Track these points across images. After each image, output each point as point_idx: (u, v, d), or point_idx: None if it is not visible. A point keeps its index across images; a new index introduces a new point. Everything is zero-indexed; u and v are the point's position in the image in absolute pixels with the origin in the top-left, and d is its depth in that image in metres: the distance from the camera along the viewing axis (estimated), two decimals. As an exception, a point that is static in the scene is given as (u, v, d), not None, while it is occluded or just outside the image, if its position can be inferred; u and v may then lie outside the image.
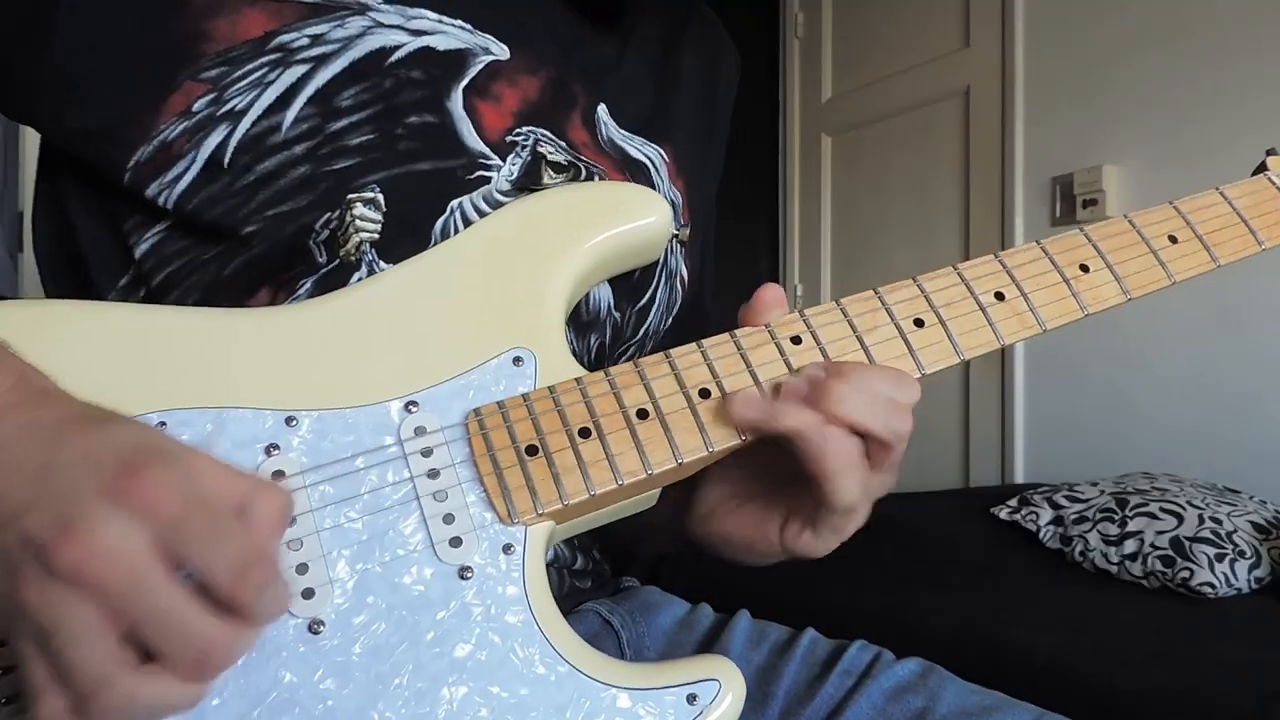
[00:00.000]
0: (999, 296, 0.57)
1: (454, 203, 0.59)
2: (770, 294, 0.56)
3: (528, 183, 0.62)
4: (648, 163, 0.69)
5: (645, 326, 0.71)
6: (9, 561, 0.37)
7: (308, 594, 0.46)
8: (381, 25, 0.59)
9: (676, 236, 0.70)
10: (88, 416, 0.41)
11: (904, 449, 0.53)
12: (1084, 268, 0.59)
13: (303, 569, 0.47)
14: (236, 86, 0.55)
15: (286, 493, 0.43)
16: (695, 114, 0.77)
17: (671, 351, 0.54)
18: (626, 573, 0.83)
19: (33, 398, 0.42)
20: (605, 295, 0.66)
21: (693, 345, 0.54)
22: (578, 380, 0.53)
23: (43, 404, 0.41)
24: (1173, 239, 0.61)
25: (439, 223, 0.59)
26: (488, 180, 0.61)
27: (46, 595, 0.37)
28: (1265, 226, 0.63)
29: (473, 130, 0.61)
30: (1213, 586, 1.48)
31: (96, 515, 0.37)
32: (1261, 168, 0.67)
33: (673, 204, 0.71)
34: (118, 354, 0.49)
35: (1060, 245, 0.59)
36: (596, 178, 0.64)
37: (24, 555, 0.37)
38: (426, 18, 0.61)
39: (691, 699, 0.48)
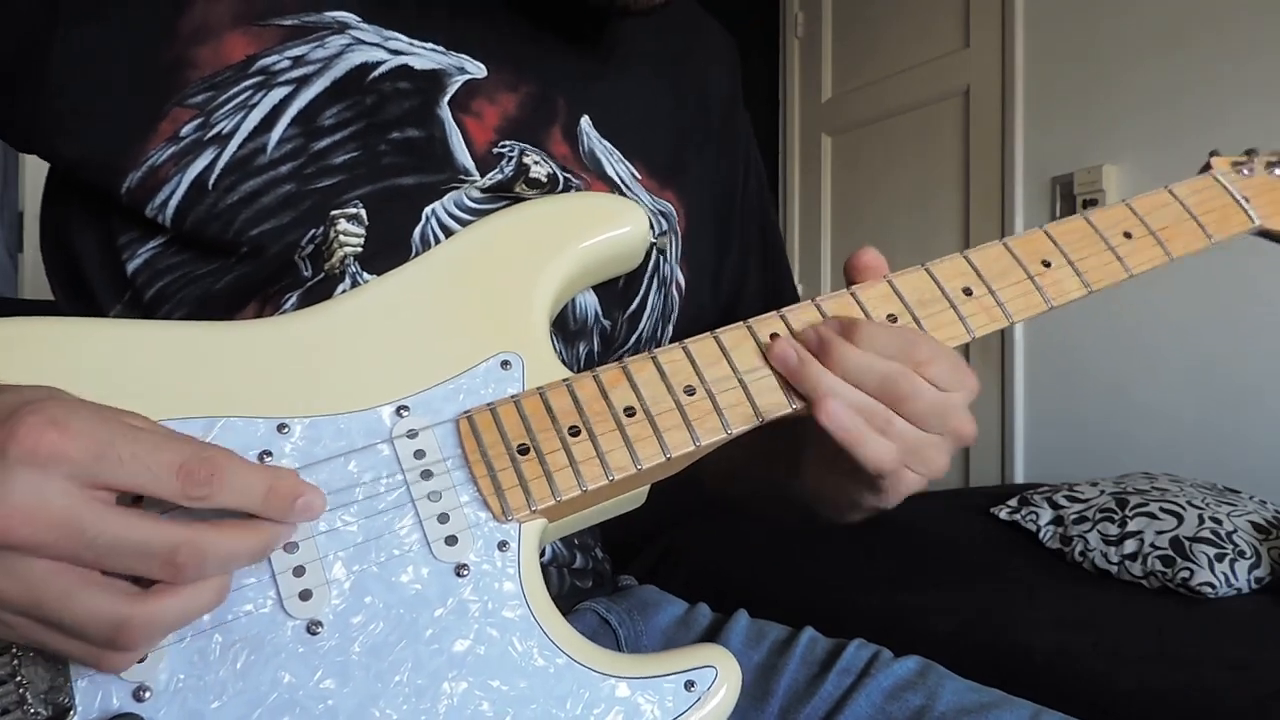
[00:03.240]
0: (967, 292, 0.60)
1: (427, 209, 0.60)
2: (869, 257, 0.59)
3: (500, 191, 0.62)
4: (618, 181, 0.69)
5: (638, 333, 0.71)
6: None
7: (305, 595, 0.47)
8: (362, 42, 0.60)
9: (655, 245, 0.70)
10: None
11: (924, 405, 0.54)
12: (1046, 263, 0.62)
13: (299, 571, 0.47)
14: (222, 110, 0.56)
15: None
16: (685, 119, 0.77)
17: (656, 351, 0.55)
18: (625, 571, 0.83)
19: None
20: (592, 303, 0.67)
21: (676, 345, 0.56)
22: (566, 381, 0.54)
23: None
24: (1127, 235, 0.64)
25: (416, 231, 0.60)
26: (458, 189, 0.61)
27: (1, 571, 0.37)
28: (1212, 222, 0.67)
29: (462, 142, 0.62)
30: (1213, 586, 1.48)
31: (6, 478, 0.37)
32: (1206, 168, 0.71)
33: (664, 214, 0.71)
34: (107, 367, 0.50)
35: (1023, 243, 0.62)
36: (574, 189, 0.65)
37: None
38: (400, 39, 0.61)
39: (689, 685, 0.49)
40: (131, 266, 0.58)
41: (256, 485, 0.43)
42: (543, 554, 0.56)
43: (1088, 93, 2.43)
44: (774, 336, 0.56)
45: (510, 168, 0.63)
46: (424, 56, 0.62)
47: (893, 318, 0.58)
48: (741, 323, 0.57)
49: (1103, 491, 1.75)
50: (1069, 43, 2.49)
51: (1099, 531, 1.65)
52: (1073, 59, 2.48)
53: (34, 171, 2.37)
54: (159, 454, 0.40)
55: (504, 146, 0.63)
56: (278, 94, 0.57)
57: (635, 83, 0.73)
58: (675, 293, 0.73)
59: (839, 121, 3.26)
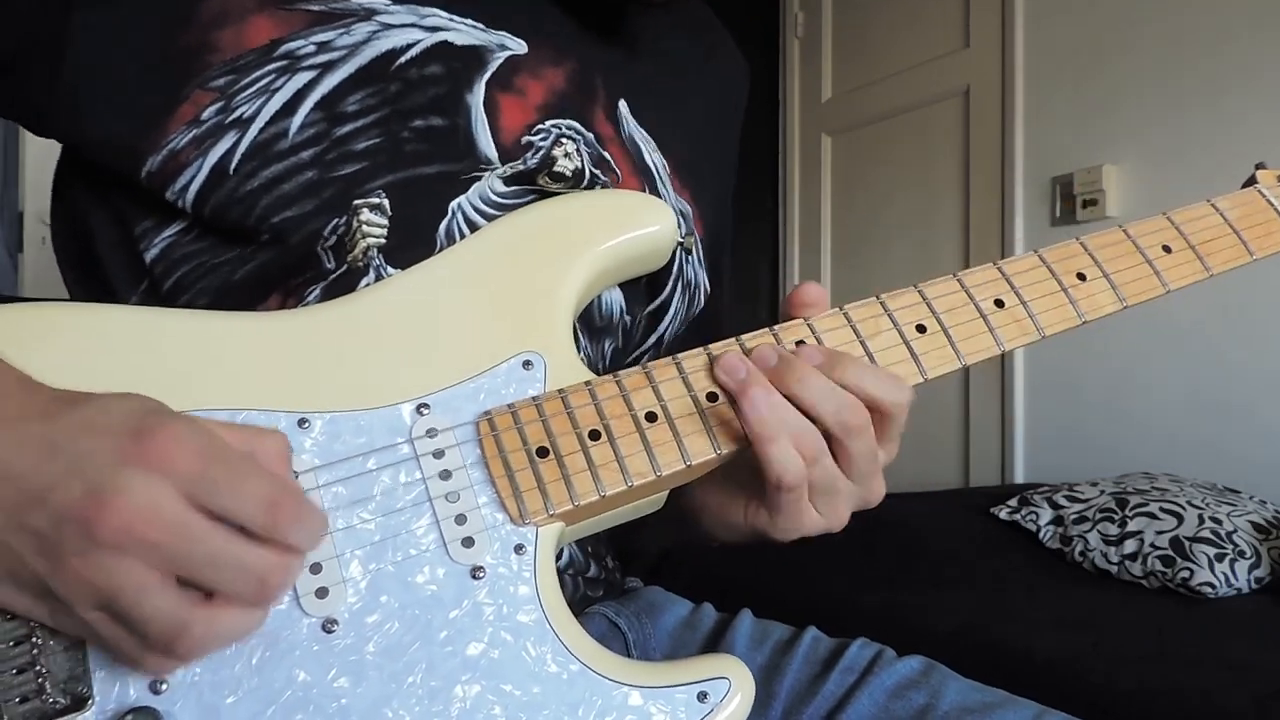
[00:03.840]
0: (999, 304, 0.59)
1: (453, 204, 0.60)
2: (811, 293, 0.57)
3: (522, 182, 0.62)
4: (654, 170, 0.69)
5: (659, 332, 0.71)
6: (43, 541, 0.39)
7: (321, 593, 0.47)
8: (390, 27, 0.59)
9: (682, 245, 0.70)
10: (72, 396, 0.43)
11: (864, 447, 0.53)
12: (1081, 276, 0.60)
13: (316, 569, 0.47)
14: (244, 94, 0.56)
15: (282, 434, 0.46)
16: (701, 125, 0.77)
17: (679, 356, 0.55)
18: (629, 572, 0.84)
19: (11, 385, 0.43)
20: (617, 299, 0.67)
21: (700, 350, 0.55)
22: (587, 383, 0.53)
23: (24, 389, 0.43)
24: (1166, 249, 0.63)
25: (442, 225, 0.59)
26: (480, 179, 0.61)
27: (97, 563, 0.39)
28: (1256, 237, 0.65)
29: (488, 130, 0.61)
30: (1213, 586, 1.49)
31: (125, 481, 0.39)
32: (1251, 180, 0.69)
33: (680, 214, 0.71)
34: (128, 356, 0.50)
35: (1058, 254, 0.61)
36: (599, 187, 0.64)
37: (64, 532, 0.39)
38: (439, 15, 0.61)
39: (702, 697, 0.49)
40: (149, 255, 0.58)
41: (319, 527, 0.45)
42: (559, 558, 0.56)
43: (1088, 93, 2.44)
44: (799, 343, 0.55)
45: (535, 159, 0.62)
46: (464, 32, 0.61)
47: (922, 328, 0.57)
48: (767, 329, 0.56)
49: (1103, 491, 1.76)
50: (1069, 43, 2.49)
51: (1099, 531, 1.66)
52: (1073, 59, 2.48)
53: (34, 172, 2.36)
54: (255, 480, 0.42)
55: (537, 133, 0.62)
56: (301, 79, 0.57)
57: (658, 78, 0.73)
58: (701, 297, 0.73)
59: (839, 121, 3.26)
